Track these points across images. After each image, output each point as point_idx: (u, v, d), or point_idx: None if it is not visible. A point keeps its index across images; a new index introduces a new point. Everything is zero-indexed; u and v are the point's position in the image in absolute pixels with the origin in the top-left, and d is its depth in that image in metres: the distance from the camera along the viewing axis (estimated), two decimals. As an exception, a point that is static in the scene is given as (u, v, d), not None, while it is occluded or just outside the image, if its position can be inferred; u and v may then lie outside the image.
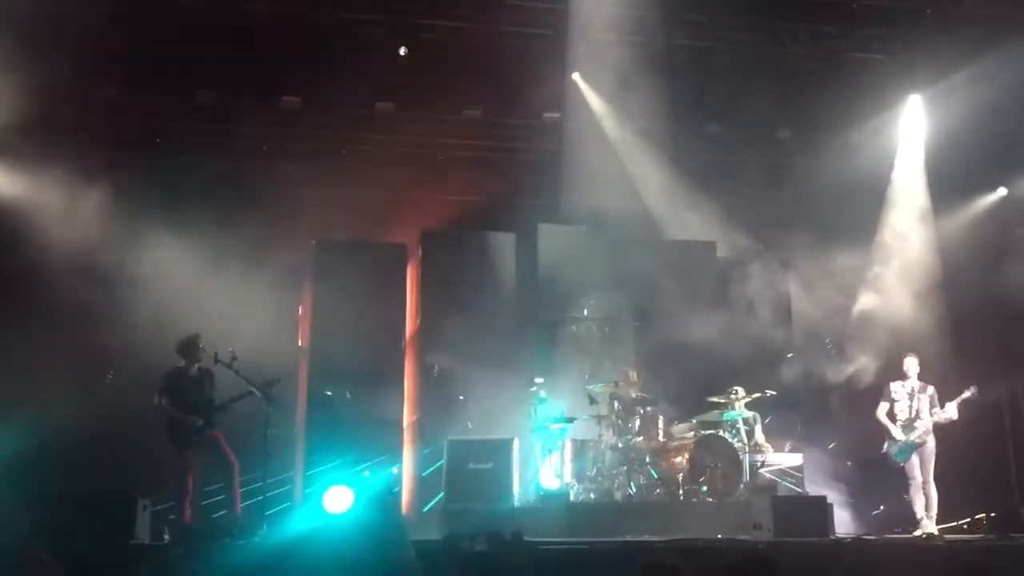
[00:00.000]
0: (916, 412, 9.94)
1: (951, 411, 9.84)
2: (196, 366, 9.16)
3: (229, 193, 11.27)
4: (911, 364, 10.10)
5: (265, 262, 10.85)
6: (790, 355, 12.11)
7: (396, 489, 8.83)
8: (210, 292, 10.41)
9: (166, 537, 8.47)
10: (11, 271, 10.21)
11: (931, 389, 10.05)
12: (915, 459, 9.91)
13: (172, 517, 8.92)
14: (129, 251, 10.53)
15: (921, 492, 9.88)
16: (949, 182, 12.54)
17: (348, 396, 10.98)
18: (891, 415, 10.02)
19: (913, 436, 9.88)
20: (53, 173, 10.24)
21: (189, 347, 9.16)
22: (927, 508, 9.84)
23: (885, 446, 10.01)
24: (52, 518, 7.43)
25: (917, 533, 9.66)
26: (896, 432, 9.93)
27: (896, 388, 10.11)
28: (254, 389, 8.84)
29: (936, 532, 9.64)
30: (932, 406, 9.95)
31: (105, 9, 9.83)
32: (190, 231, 10.69)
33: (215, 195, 11.14)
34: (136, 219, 10.64)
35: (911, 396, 10.02)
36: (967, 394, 9.83)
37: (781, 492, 10.62)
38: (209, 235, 10.66)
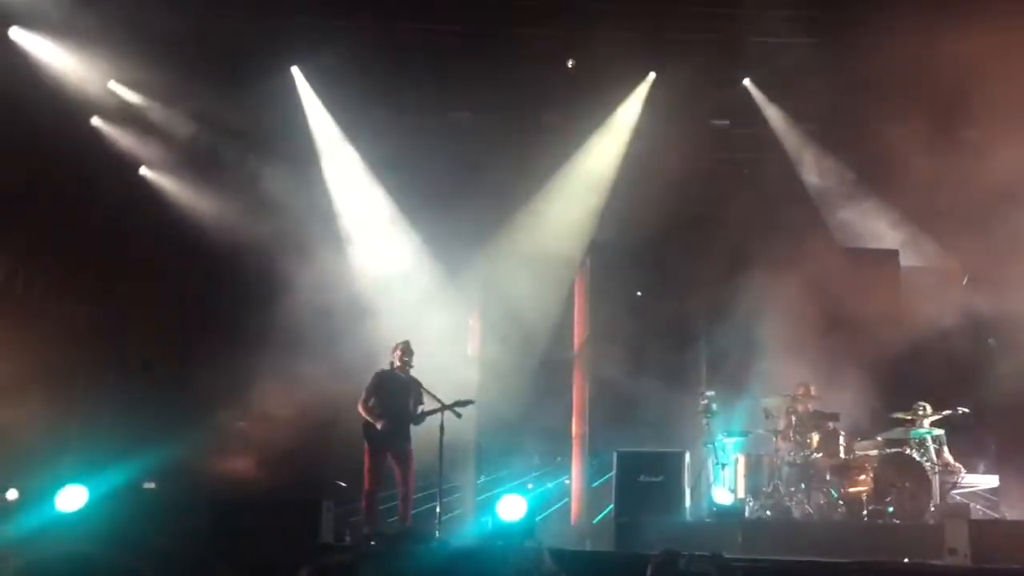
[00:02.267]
0: None
1: None
2: (407, 372, 9.32)
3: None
4: None
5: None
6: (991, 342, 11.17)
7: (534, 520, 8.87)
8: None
9: (347, 538, 8.75)
10: None
11: None
12: None
13: (353, 519, 9.24)
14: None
15: None
16: None
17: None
18: None
19: None
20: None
21: (405, 351, 9.33)
22: None
23: None
24: (235, 523, 7.74)
25: None
26: None
27: None
28: (446, 407, 8.95)
29: None
30: None
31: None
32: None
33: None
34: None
35: None
36: None
37: (974, 516, 9.93)
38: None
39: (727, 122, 12.40)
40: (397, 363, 9.32)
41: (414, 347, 9.55)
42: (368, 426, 9.16)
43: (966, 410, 10.20)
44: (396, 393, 9.24)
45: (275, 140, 11.56)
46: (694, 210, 11.99)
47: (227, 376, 10.47)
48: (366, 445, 9.17)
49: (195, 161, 11.52)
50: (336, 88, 11.69)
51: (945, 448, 10.28)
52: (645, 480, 9.88)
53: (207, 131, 11.54)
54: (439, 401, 9.03)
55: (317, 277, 11.10)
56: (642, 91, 11.99)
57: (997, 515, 10.19)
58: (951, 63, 10.73)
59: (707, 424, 10.60)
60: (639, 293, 11.70)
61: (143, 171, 11.69)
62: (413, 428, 9.24)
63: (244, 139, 11.47)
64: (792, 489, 9.91)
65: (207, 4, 10.43)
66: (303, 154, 11.80)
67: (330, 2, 10.85)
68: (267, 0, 10.73)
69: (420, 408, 9.20)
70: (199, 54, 10.73)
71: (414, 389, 9.25)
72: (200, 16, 10.40)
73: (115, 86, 11.16)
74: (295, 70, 11.77)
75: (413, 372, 9.31)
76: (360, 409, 9.22)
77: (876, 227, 12.00)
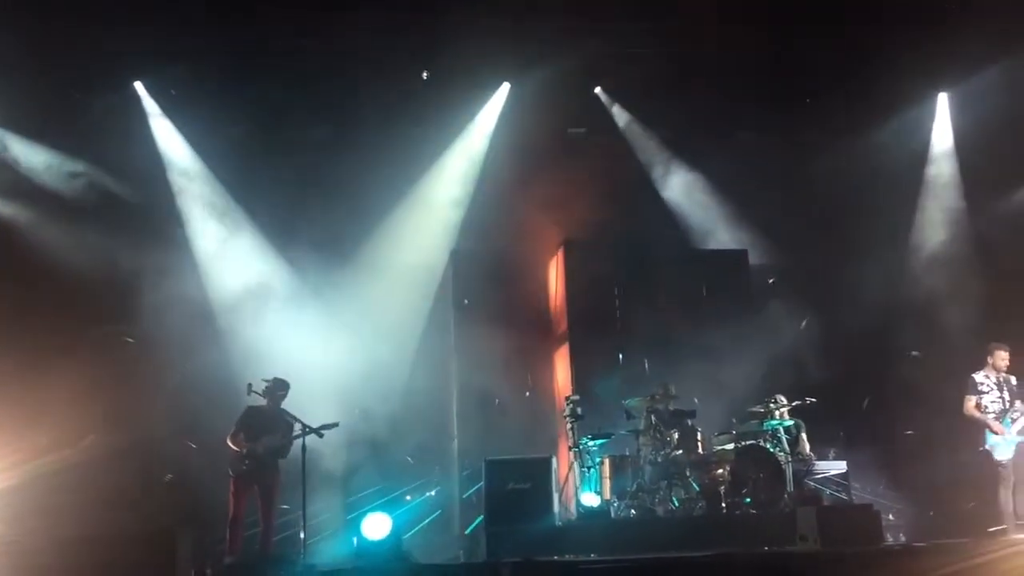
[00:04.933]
0: (1008, 403, 9.45)
1: None
2: (277, 407, 9.34)
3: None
4: (1003, 356, 9.55)
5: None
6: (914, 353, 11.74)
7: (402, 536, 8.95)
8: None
9: (208, 571, 8.50)
10: None
11: (1014, 380, 9.57)
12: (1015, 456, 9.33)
13: (218, 548, 9.02)
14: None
15: (1011, 493, 9.28)
16: (981, 179, 12.36)
17: None
18: (979, 408, 9.51)
19: (1016, 429, 9.34)
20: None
21: (275, 387, 9.35)
22: (1018, 509, 9.25)
23: (986, 443, 9.42)
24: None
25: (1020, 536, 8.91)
26: (997, 426, 9.37)
27: (982, 380, 9.59)
28: (310, 430, 9.01)
29: None
30: (1015, 398, 9.47)
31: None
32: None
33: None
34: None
35: (1000, 386, 9.52)
36: None
37: (827, 501, 10.42)
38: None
39: (584, 130, 12.63)
40: (267, 397, 9.33)
41: (280, 368, 9.52)
42: (235, 458, 9.17)
43: (813, 400, 10.68)
44: (265, 427, 9.27)
45: (118, 158, 11.10)
46: (552, 216, 12.16)
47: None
48: (231, 475, 9.15)
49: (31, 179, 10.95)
50: (186, 105, 11.37)
51: (803, 437, 10.76)
52: (514, 487, 9.94)
53: (45, 148, 11.01)
54: (303, 424, 9.07)
55: (167, 297, 10.73)
56: (498, 102, 12.12)
57: (847, 499, 10.71)
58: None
59: (572, 428, 10.78)
60: (465, 301, 11.75)
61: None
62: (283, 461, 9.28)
63: (85, 156, 10.99)
64: (655, 487, 10.15)
65: (43, 14, 10.00)
66: (151, 172, 11.39)
67: (179, 19, 10.50)
68: (108, 13, 10.31)
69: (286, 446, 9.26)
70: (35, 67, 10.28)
71: (282, 423, 9.28)
72: (36, 28, 9.99)
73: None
74: (138, 85, 11.38)
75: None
76: (229, 442, 9.23)
77: (726, 227, 12.44)
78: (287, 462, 9.33)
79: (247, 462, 9.10)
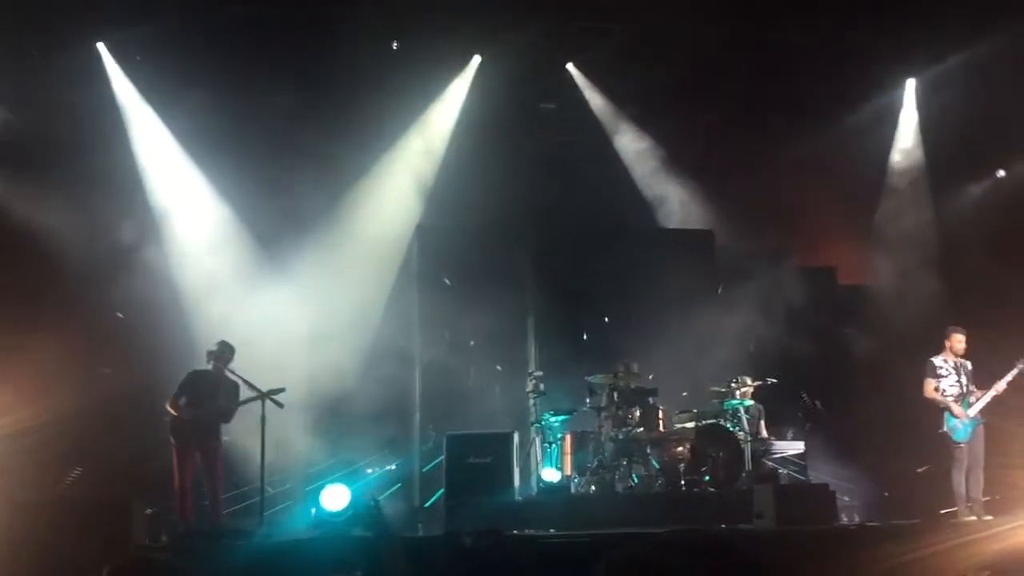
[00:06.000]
0: (965, 387, 9.54)
1: (1001, 387, 9.45)
2: (222, 371, 9.17)
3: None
4: (960, 340, 9.63)
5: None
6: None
7: (379, 498, 8.82)
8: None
9: (163, 538, 8.43)
10: None
11: (969, 365, 9.67)
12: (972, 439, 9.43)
13: (171, 518, 8.94)
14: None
15: (964, 475, 9.39)
16: (947, 166, 12.48)
17: None
18: (938, 392, 9.57)
19: (973, 412, 9.44)
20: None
21: (221, 350, 9.18)
22: (970, 492, 9.38)
23: (945, 425, 9.48)
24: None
25: (970, 519, 9.13)
26: (957, 409, 9.44)
27: (940, 363, 9.65)
28: (263, 395, 8.84)
29: (988, 518, 9.04)
30: (971, 382, 9.59)
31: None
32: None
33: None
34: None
35: (957, 371, 9.61)
36: (1018, 369, 9.40)
37: (784, 480, 10.55)
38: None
39: (553, 106, 12.57)
40: (212, 361, 9.18)
41: (242, 338, 9.40)
42: (175, 422, 9.01)
43: (774, 380, 10.78)
44: (207, 391, 9.14)
45: (80, 121, 10.86)
46: (521, 193, 12.10)
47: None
48: (173, 443, 9.00)
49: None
50: (149, 67, 11.14)
51: (763, 422, 10.86)
52: (474, 462, 9.95)
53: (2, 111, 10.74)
54: (257, 390, 8.88)
55: (131, 267, 10.57)
56: (468, 75, 12.01)
57: (804, 478, 10.85)
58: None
59: (535, 404, 10.80)
60: (447, 281, 11.70)
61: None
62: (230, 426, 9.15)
63: (44, 119, 10.72)
64: (615, 464, 10.21)
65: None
66: (112, 137, 11.17)
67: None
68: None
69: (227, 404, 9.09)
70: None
71: (227, 387, 9.14)
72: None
73: None
74: (101, 46, 11.13)
75: (238, 369, 9.11)
76: (168, 406, 9.07)
77: (693, 208, 12.47)
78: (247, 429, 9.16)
79: (188, 422, 8.93)
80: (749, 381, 10.74)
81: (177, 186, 11.44)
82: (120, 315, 10.60)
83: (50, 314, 10.24)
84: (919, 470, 10.71)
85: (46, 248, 10.27)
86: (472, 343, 11.57)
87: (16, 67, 10.51)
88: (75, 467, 9.97)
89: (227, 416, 9.14)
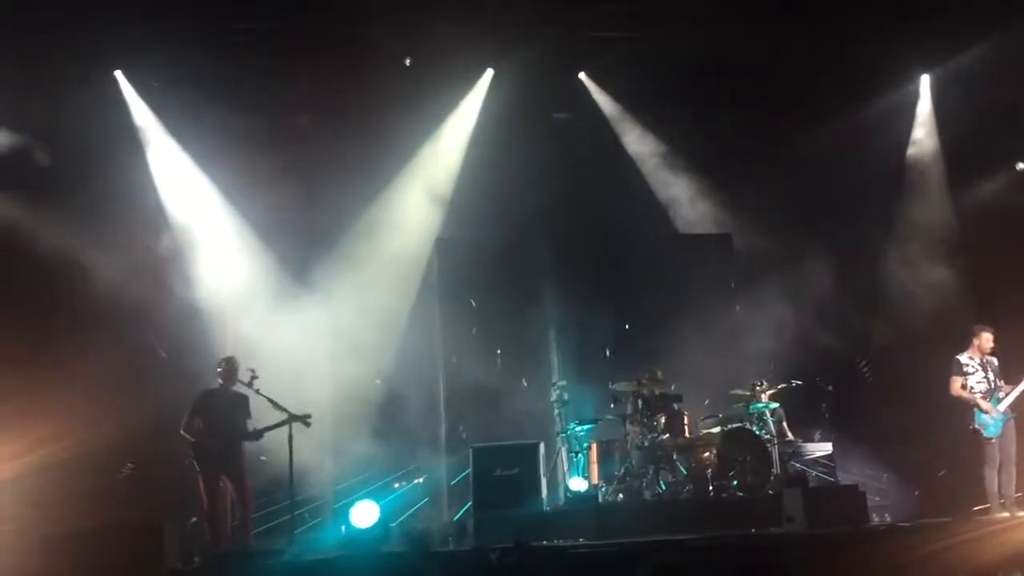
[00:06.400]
0: (993, 383, 9.48)
1: None
2: (231, 389, 9.09)
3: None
4: (988, 339, 9.59)
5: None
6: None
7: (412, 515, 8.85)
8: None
9: (196, 560, 8.49)
10: None
11: (996, 361, 9.62)
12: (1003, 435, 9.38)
13: (205, 540, 8.98)
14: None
15: (996, 472, 9.34)
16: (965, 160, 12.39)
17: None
18: (965, 389, 9.50)
19: (1002, 407, 9.38)
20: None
21: (228, 368, 9.11)
22: (1002, 488, 9.33)
23: (975, 422, 9.41)
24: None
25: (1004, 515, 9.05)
26: (986, 405, 9.38)
27: (967, 361, 9.61)
28: (294, 418, 8.80)
29: (1021, 514, 8.98)
30: (998, 377, 9.53)
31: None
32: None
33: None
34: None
35: (984, 367, 9.56)
36: None
37: (813, 483, 10.48)
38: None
39: (566, 115, 12.60)
40: (221, 381, 9.11)
41: (266, 356, 9.42)
42: (197, 448, 8.90)
43: (799, 382, 10.73)
44: (222, 411, 9.02)
45: (100, 150, 10.98)
46: (538, 203, 12.13)
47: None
48: (198, 469, 8.89)
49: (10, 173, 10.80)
50: (167, 93, 11.28)
51: (784, 425, 10.80)
52: (501, 474, 9.97)
53: (25, 142, 10.87)
54: (285, 411, 8.85)
55: (154, 291, 10.66)
56: (481, 88, 12.07)
57: (833, 480, 10.78)
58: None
59: (560, 413, 10.81)
60: (472, 303, 11.71)
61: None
62: (253, 445, 9.11)
63: (65, 148, 10.85)
64: (642, 471, 10.19)
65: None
66: (132, 162, 11.29)
67: (156, 3, 10.41)
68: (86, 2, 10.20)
69: (249, 422, 9.04)
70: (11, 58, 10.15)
71: (242, 405, 9.07)
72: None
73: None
74: (119, 75, 11.27)
75: (256, 386, 9.05)
76: (183, 432, 8.94)
77: (709, 211, 12.45)
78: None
79: (210, 448, 8.80)
80: (767, 384, 10.68)
81: (198, 208, 11.53)
82: (163, 354, 10.65)
83: (75, 346, 10.28)
84: (940, 474, 10.64)
85: (68, 276, 10.35)
86: (495, 354, 11.60)
87: (38, 97, 10.62)
88: (126, 464, 10.01)
89: (252, 435, 9.03)
